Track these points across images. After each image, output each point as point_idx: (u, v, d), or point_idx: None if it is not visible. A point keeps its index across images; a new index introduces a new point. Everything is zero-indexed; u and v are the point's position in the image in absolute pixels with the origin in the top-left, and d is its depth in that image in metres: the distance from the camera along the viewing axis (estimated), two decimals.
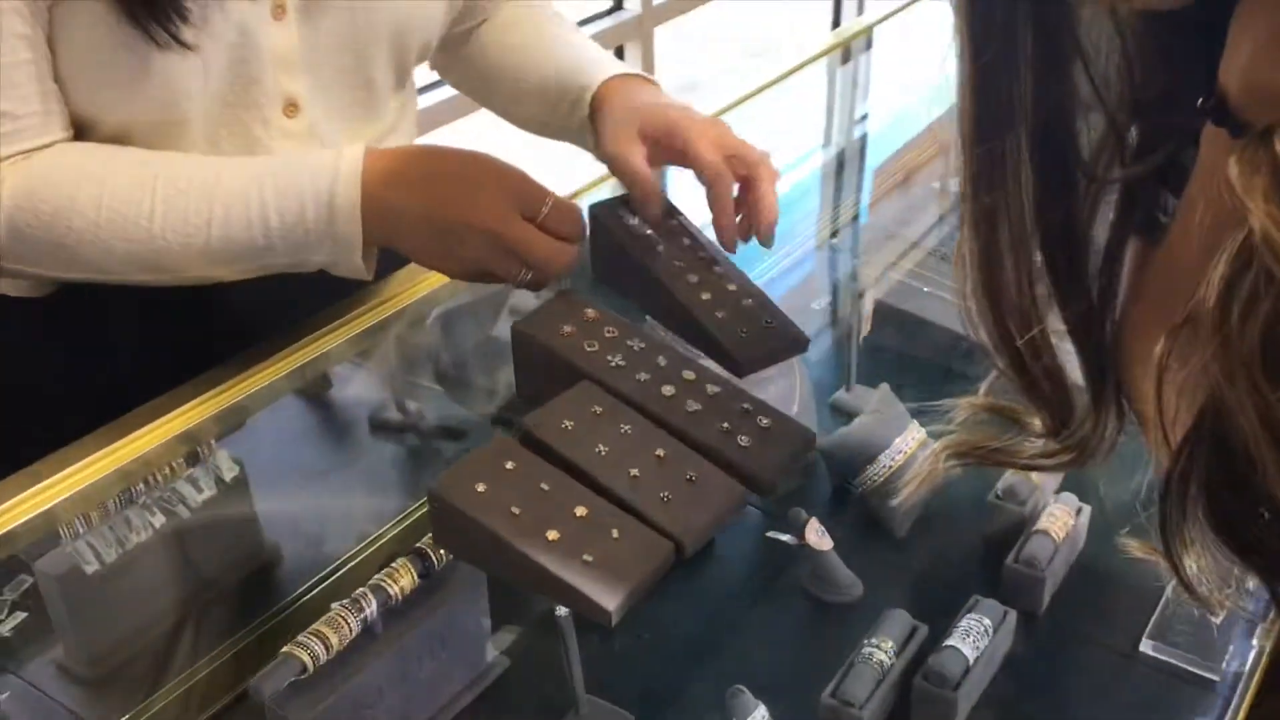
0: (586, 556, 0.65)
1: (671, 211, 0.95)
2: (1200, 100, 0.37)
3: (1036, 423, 0.47)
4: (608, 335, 0.81)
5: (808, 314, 1.36)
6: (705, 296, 0.89)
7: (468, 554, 0.72)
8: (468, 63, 1.11)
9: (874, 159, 1.80)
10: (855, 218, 1.64)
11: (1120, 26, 0.41)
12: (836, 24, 3.21)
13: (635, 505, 0.69)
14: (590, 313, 0.81)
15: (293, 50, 0.89)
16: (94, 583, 0.88)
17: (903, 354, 1.31)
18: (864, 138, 1.86)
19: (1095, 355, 0.45)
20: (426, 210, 0.83)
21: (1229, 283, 0.33)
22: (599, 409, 0.74)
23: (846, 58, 1.83)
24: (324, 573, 0.96)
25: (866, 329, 1.33)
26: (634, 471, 0.70)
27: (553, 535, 0.66)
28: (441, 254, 0.85)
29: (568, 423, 0.72)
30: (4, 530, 0.81)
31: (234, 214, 0.82)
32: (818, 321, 1.34)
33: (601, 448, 0.71)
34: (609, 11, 2.57)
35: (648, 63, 2.66)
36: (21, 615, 0.87)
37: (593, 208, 0.95)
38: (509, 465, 0.70)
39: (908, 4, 1.88)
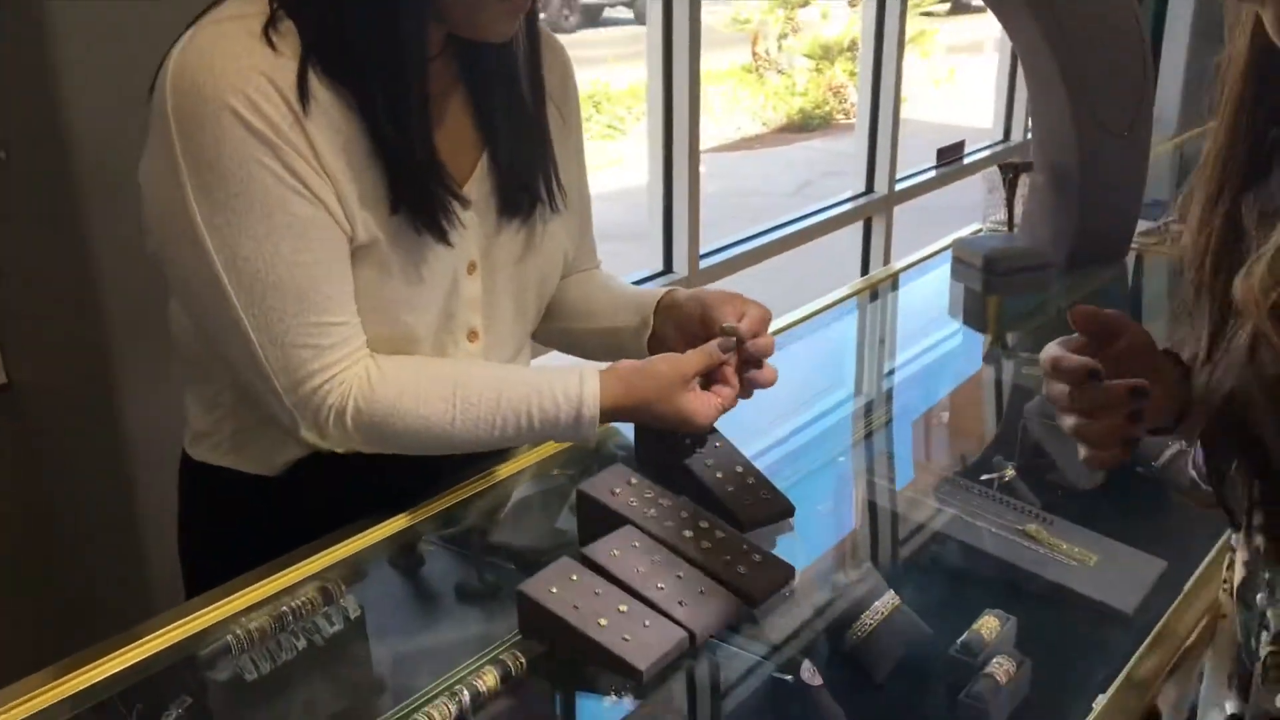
0: (625, 636, 0.94)
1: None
2: None
3: None
4: (646, 496, 1.12)
5: (819, 515, 1.65)
6: (719, 475, 1.20)
7: (543, 638, 1.00)
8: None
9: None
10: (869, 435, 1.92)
11: None
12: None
13: (661, 606, 0.98)
14: (634, 480, 1.13)
15: (477, 296, 1.25)
16: (250, 690, 1.13)
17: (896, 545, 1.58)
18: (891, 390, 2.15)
19: None
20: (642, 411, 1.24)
21: None
22: (637, 544, 1.04)
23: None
24: (422, 691, 1.23)
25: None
26: (660, 585, 1.00)
27: (603, 622, 0.95)
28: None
29: (615, 551, 1.02)
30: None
31: (509, 421, 1.18)
32: (820, 517, 1.61)
33: (639, 568, 1.01)
34: (657, 275, 2.98)
35: None
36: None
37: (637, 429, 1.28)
38: (574, 578, 0.99)
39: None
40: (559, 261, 1.36)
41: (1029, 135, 4.84)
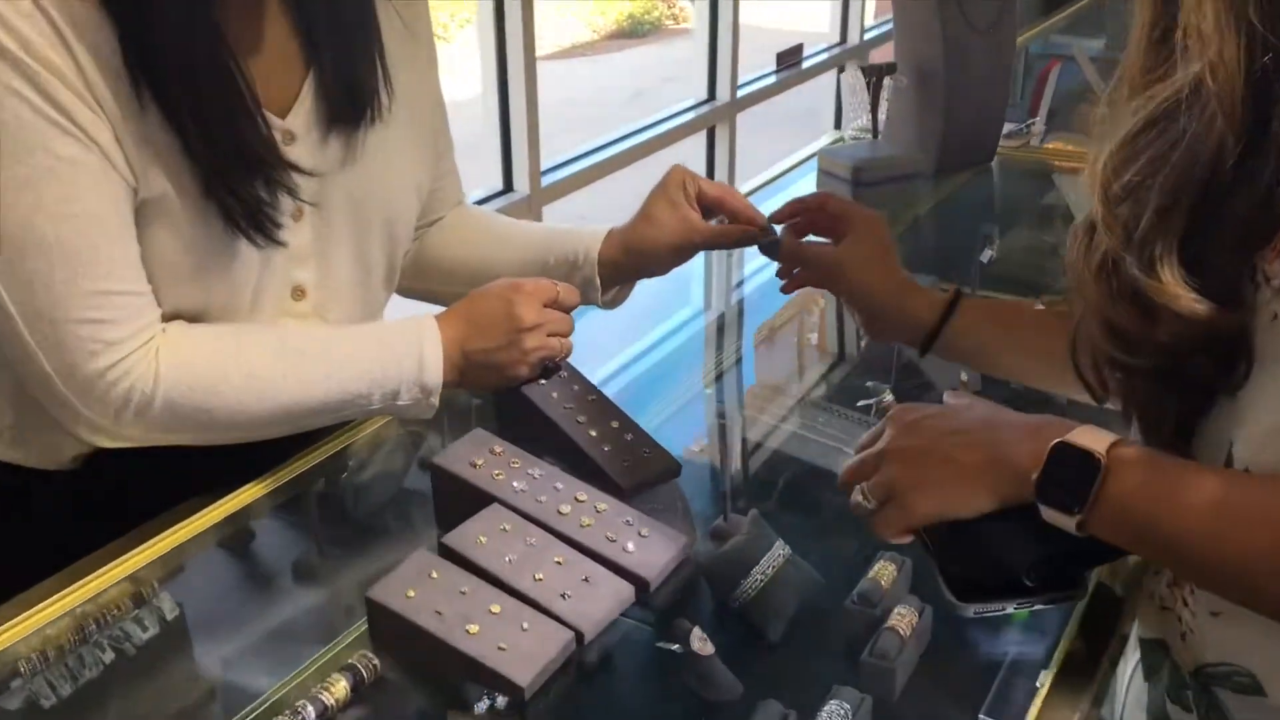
0: (501, 645, 0.79)
1: (562, 366, 1.12)
2: None
3: None
4: (513, 465, 0.96)
5: (688, 454, 1.53)
6: (592, 433, 1.05)
7: (402, 653, 0.84)
8: (433, 266, 1.30)
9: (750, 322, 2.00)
10: (737, 363, 1.82)
11: None
12: None
13: (541, 602, 0.83)
14: (497, 448, 0.96)
15: (306, 245, 1.05)
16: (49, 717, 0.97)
17: (771, 484, 1.48)
18: (741, 302, 2.06)
19: None
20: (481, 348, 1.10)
21: None
22: (507, 526, 0.88)
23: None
24: (261, 698, 1.07)
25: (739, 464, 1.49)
26: (538, 575, 0.84)
27: (473, 629, 0.79)
28: (504, 365, 1.11)
29: (481, 538, 0.87)
30: None
31: (345, 372, 1.02)
32: (697, 461, 1.49)
33: (510, 557, 0.85)
34: (498, 194, 2.78)
35: None
36: None
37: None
38: (433, 575, 0.83)
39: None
40: (411, 200, 1.17)
41: (864, 38, 4.81)
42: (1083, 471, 0.81)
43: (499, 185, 2.81)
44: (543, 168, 2.89)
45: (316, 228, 1.06)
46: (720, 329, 1.99)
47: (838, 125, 3.11)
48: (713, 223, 1.27)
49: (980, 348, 1.23)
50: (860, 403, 1.68)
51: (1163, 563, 0.90)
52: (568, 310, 1.15)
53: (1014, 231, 2.02)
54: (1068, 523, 0.81)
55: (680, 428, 1.68)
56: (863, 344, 1.87)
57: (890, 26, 4.96)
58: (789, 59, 4.16)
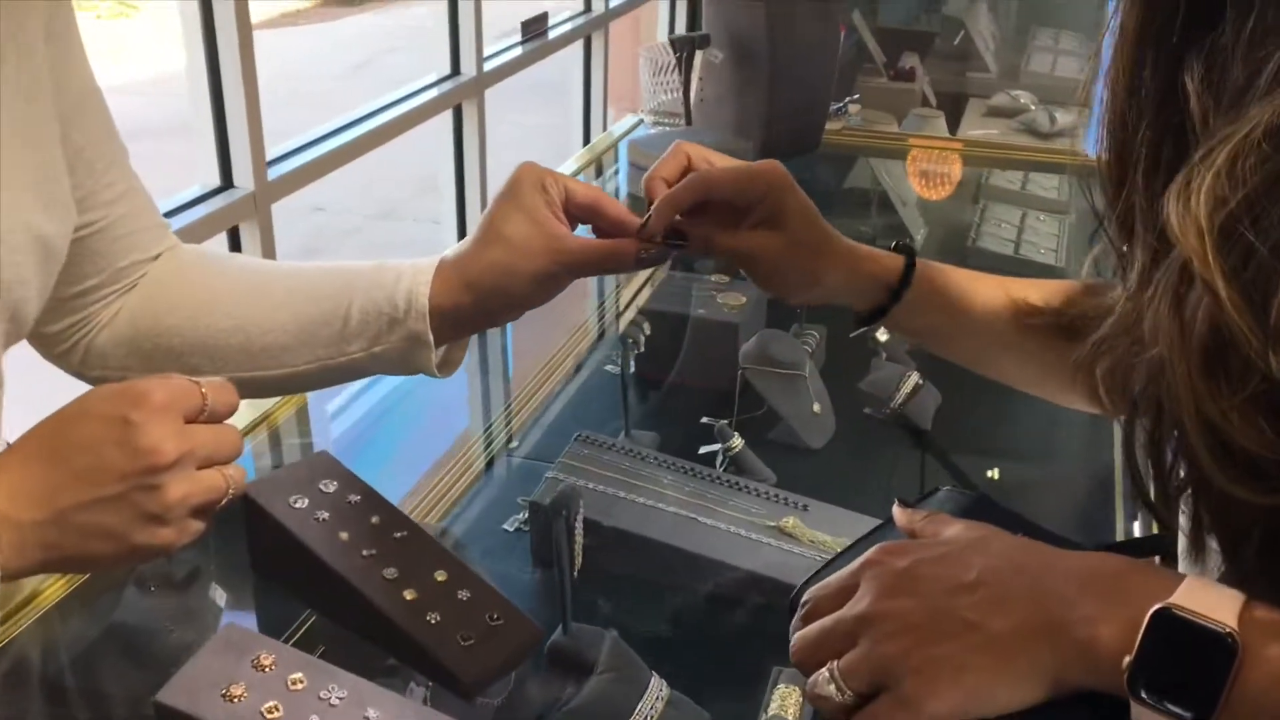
0: None
1: (350, 481, 0.76)
2: None
3: None
4: (292, 688, 0.60)
5: (504, 537, 1.19)
6: (409, 595, 0.70)
7: None
8: (155, 348, 0.88)
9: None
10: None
11: None
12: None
13: None
14: (264, 658, 0.60)
15: None
16: None
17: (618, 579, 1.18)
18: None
19: None
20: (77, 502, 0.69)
21: None
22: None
23: None
24: None
25: None
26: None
27: None
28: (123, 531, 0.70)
29: None
30: None
31: None
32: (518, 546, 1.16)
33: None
34: (216, 191, 2.32)
35: (267, 241, 2.43)
36: None
37: (251, 486, 0.73)
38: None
39: None
40: (24, 255, 0.76)
41: (610, 5, 4.54)
42: (1204, 653, 0.53)
43: (216, 181, 2.34)
44: (269, 157, 2.44)
45: None
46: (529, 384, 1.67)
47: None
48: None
49: (933, 328, 1.01)
50: (702, 449, 1.38)
51: None
52: (223, 419, 0.73)
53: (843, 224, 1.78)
54: None
55: (487, 506, 1.34)
56: (679, 361, 1.58)
57: None
58: (534, 27, 3.83)
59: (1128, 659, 0.55)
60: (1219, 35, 0.59)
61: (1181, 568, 0.86)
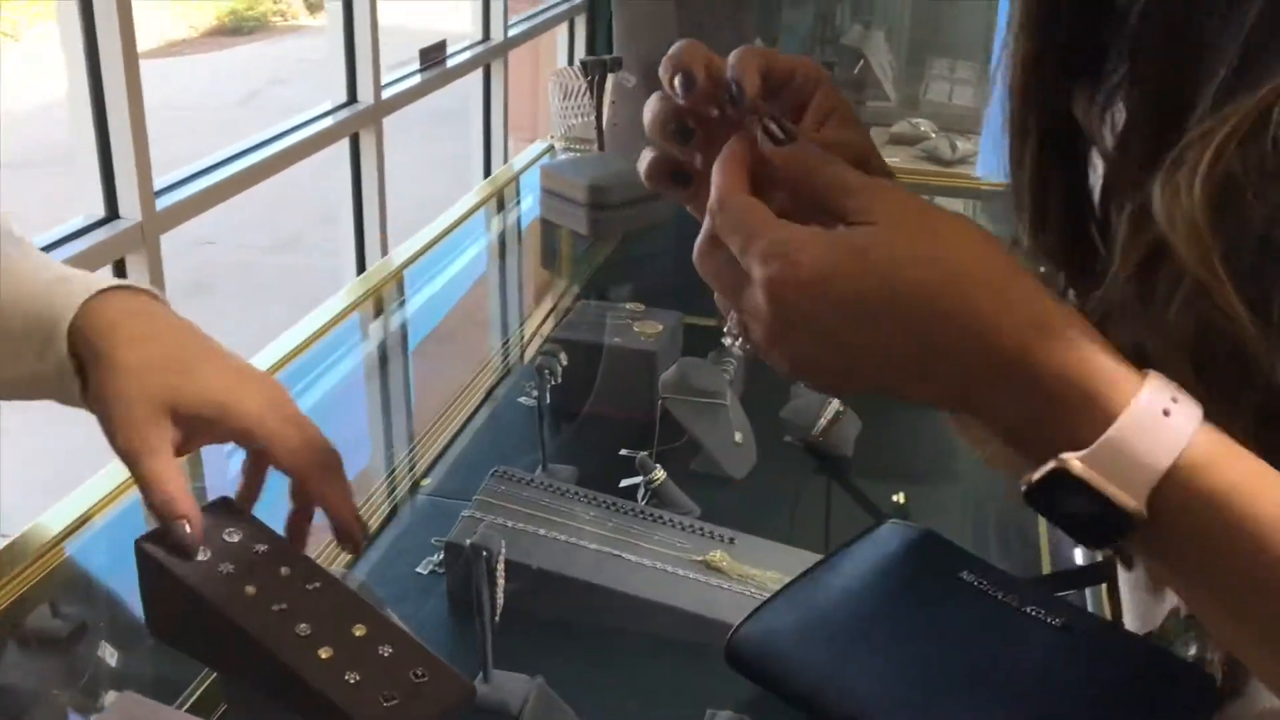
0: None
1: (256, 529, 0.69)
2: None
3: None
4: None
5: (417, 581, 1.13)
6: (324, 654, 0.63)
7: None
8: None
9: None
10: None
11: None
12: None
13: None
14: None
15: None
16: None
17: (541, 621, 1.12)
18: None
19: None
20: None
21: None
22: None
23: None
24: None
25: None
26: None
27: None
28: None
29: None
30: None
31: None
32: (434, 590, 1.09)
33: None
34: (101, 222, 2.21)
35: (155, 274, 2.33)
36: None
37: (139, 541, 0.67)
38: None
39: None
40: None
41: (509, 34, 4.50)
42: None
43: (100, 212, 2.23)
44: (156, 187, 2.34)
45: None
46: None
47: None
48: None
49: None
50: (623, 482, 1.34)
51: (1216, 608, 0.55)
52: None
53: None
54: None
55: (398, 548, 1.27)
56: (594, 392, 1.53)
57: (535, 22, 4.71)
58: (433, 55, 3.76)
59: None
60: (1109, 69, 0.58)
61: (1127, 593, 0.84)
